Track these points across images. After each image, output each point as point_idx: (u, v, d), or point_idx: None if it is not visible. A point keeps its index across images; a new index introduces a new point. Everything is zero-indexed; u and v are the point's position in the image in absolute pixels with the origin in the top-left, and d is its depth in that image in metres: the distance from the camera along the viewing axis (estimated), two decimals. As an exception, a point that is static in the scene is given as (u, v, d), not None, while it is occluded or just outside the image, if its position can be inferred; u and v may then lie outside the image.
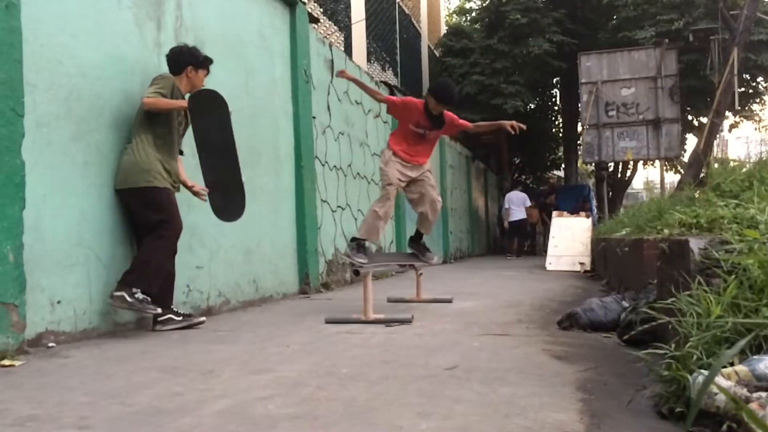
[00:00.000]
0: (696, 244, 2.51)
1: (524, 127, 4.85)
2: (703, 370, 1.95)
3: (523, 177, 23.30)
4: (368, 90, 5.02)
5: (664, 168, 15.46)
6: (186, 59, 4.09)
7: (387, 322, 4.07)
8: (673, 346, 2.12)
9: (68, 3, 3.61)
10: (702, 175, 9.22)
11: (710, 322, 2.11)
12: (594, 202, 18.34)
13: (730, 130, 18.20)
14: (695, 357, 2.02)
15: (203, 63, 4.14)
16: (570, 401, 2.15)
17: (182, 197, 4.16)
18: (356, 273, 4.56)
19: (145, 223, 3.84)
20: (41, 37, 3.40)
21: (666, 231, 3.21)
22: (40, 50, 3.39)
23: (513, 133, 4.85)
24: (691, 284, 2.35)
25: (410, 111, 4.74)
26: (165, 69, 4.40)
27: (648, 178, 39.19)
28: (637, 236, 4.62)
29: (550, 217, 14.24)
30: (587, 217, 11.80)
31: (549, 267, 10.44)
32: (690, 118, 18.04)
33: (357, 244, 4.57)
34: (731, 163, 5.71)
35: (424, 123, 4.72)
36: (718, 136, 11.63)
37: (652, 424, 1.93)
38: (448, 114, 4.78)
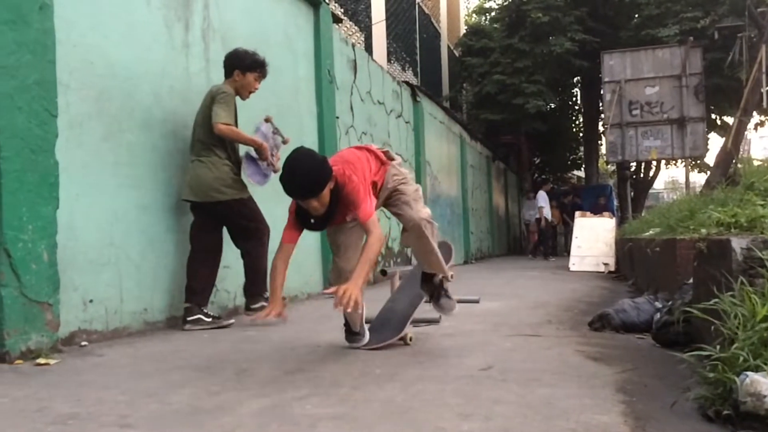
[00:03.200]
0: (738, 243, 2.46)
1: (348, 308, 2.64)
2: (750, 372, 1.91)
3: (543, 177, 23.12)
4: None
5: (689, 168, 15.25)
6: (232, 63, 4.18)
7: (416, 322, 4.04)
8: (717, 347, 2.07)
9: (100, 4, 3.64)
10: (730, 174, 9.06)
11: (756, 323, 2.07)
12: (615, 202, 18.15)
13: (756, 129, 17.91)
14: (741, 359, 1.98)
15: (250, 66, 4.19)
16: (612, 403, 2.11)
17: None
18: (383, 273, 4.53)
19: (241, 229, 4.19)
20: (74, 37, 3.43)
21: (704, 230, 3.16)
22: (72, 51, 3.42)
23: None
24: (733, 285, 2.30)
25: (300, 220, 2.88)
26: (192, 69, 4.45)
27: (670, 177, 38.68)
28: (668, 236, 4.55)
29: (570, 217, 14.11)
30: (610, 217, 11.68)
31: (572, 267, 10.35)
32: (713, 117, 17.79)
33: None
34: (755, 162, 5.61)
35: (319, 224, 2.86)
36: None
37: (698, 427, 1.89)
38: (344, 188, 2.72)
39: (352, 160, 2.84)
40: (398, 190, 3.00)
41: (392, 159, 3.07)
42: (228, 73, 4.19)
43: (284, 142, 4.47)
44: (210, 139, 4.00)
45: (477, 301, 5.22)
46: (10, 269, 2.89)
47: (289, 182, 2.60)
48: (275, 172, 4.35)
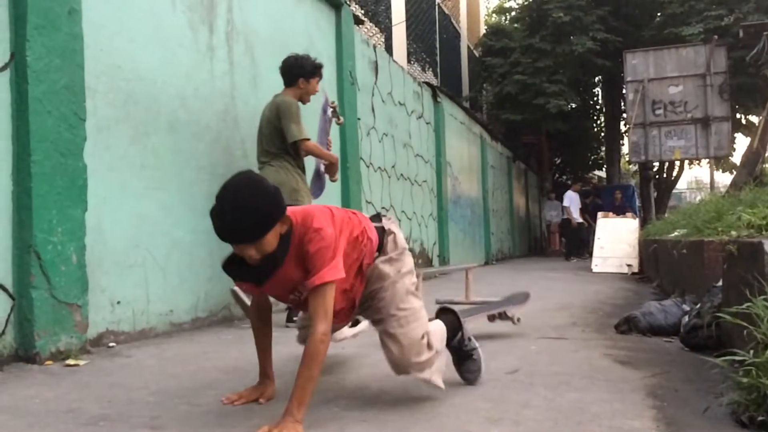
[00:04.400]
0: (770, 246, 2.41)
1: None
2: (785, 378, 1.88)
3: (573, 176, 22.87)
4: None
5: (713, 168, 15.00)
6: (295, 72, 4.25)
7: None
8: (751, 352, 2.04)
9: (127, 8, 3.68)
10: (756, 174, 8.91)
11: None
12: (638, 203, 17.89)
13: (781, 128, 17.56)
14: (776, 364, 1.95)
15: (312, 72, 4.28)
16: (642, 408, 2.08)
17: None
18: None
19: None
20: (101, 42, 3.47)
21: (733, 232, 3.11)
22: (100, 55, 3.45)
23: None
24: (766, 288, 2.27)
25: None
26: (216, 72, 4.47)
27: (694, 177, 38.09)
28: (696, 237, 4.49)
29: (592, 218, 13.93)
30: (633, 218, 11.56)
31: (595, 269, 10.25)
32: (738, 116, 17.51)
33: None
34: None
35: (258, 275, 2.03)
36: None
37: (733, 433, 1.86)
38: (306, 245, 1.95)
39: (337, 215, 2.09)
40: (386, 307, 2.15)
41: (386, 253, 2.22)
42: (290, 82, 4.25)
43: (339, 123, 4.77)
44: (278, 149, 4.10)
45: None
46: (40, 271, 2.93)
47: (218, 218, 1.81)
48: (333, 180, 4.54)
